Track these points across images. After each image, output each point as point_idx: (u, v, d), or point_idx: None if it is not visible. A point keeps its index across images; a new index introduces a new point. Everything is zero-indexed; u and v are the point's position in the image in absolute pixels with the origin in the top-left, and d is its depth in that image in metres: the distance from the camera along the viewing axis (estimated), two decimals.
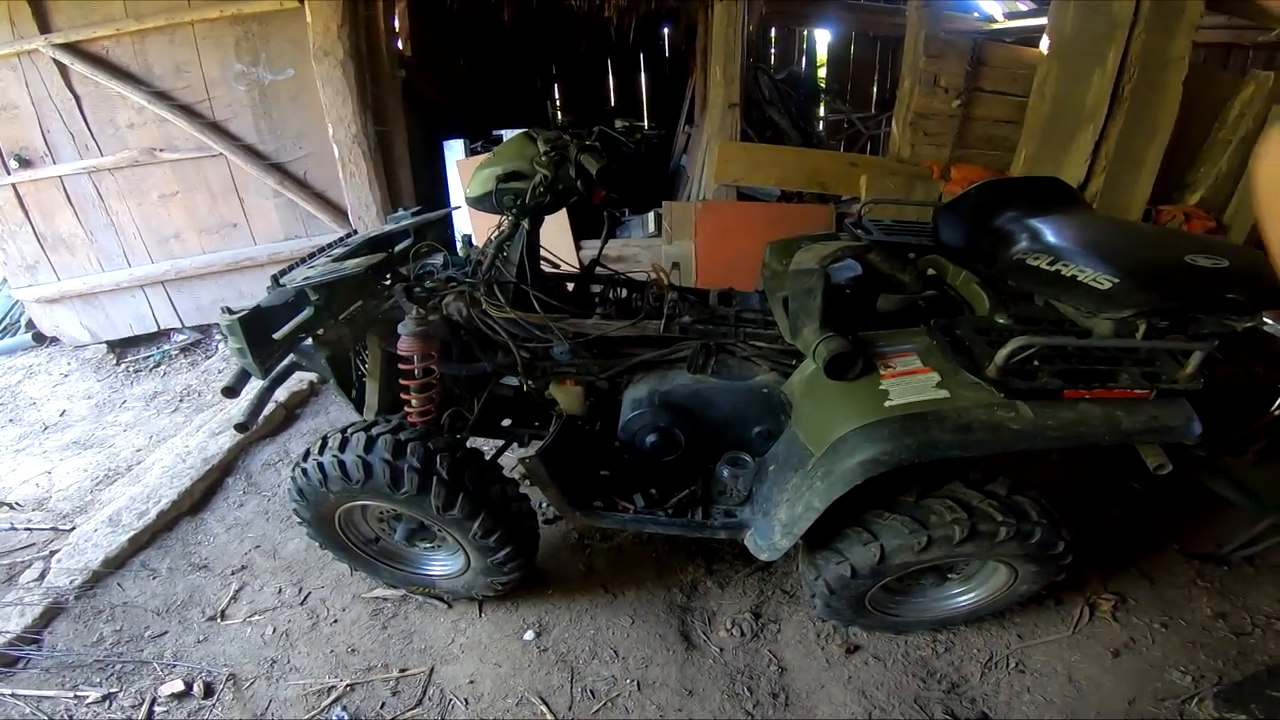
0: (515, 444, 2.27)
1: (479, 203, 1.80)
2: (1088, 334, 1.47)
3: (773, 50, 5.70)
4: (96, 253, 3.77)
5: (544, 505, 2.35)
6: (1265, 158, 0.44)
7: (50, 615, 2.08)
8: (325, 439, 1.73)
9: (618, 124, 1.86)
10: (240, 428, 1.79)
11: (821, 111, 5.66)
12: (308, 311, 1.72)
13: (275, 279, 1.70)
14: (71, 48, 3.27)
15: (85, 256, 3.78)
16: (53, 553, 2.33)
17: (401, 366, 1.76)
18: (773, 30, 5.62)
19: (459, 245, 2.07)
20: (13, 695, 1.82)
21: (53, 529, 2.50)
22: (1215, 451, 2.09)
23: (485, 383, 1.99)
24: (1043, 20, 3.47)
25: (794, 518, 1.57)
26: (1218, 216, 3.44)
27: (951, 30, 3.91)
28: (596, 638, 1.98)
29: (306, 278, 1.69)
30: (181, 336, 4.06)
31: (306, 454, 1.75)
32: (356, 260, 1.82)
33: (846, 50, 5.70)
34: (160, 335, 4.08)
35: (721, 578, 2.16)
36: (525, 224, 1.83)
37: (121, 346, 4.04)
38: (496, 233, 1.87)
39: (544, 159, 1.69)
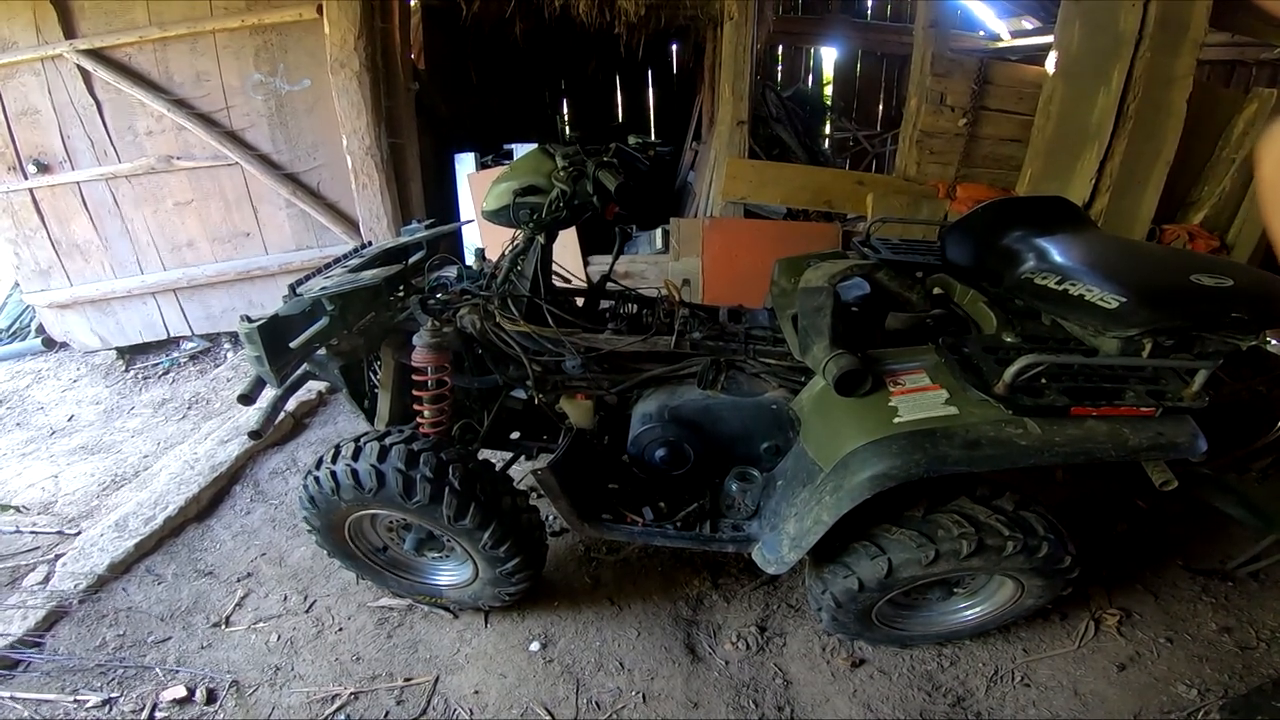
0: (524, 457, 2.28)
1: (495, 216, 1.83)
2: (1094, 352, 1.48)
3: (779, 68, 5.77)
4: (110, 259, 3.81)
5: (551, 518, 2.36)
6: (1269, 153, 0.44)
7: (53, 619, 2.08)
8: (338, 447, 1.75)
9: (631, 140, 1.89)
10: (254, 435, 1.81)
11: (827, 129, 5.72)
12: (323, 321, 1.74)
13: (292, 288, 1.73)
14: (95, 54, 3.33)
15: (99, 263, 3.82)
16: (58, 556, 2.33)
17: (415, 377, 1.78)
18: (780, 48, 5.70)
19: (472, 258, 2.10)
20: (11, 698, 1.82)
21: (58, 533, 2.51)
22: (1220, 469, 2.11)
23: (496, 395, 2.01)
24: (1048, 38, 3.51)
25: (802, 532, 1.58)
26: (1222, 235, 3.46)
27: (958, 49, 3.95)
28: (602, 649, 1.98)
29: (323, 288, 1.71)
30: (191, 344, 4.09)
31: (319, 462, 1.76)
32: (372, 271, 1.84)
33: (853, 69, 5.77)
34: (170, 343, 4.12)
35: (727, 591, 2.16)
36: (540, 238, 1.86)
37: (131, 353, 4.07)
38: (511, 246, 1.89)
39: (562, 174, 1.72)
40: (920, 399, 1.48)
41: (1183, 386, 1.40)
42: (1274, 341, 1.35)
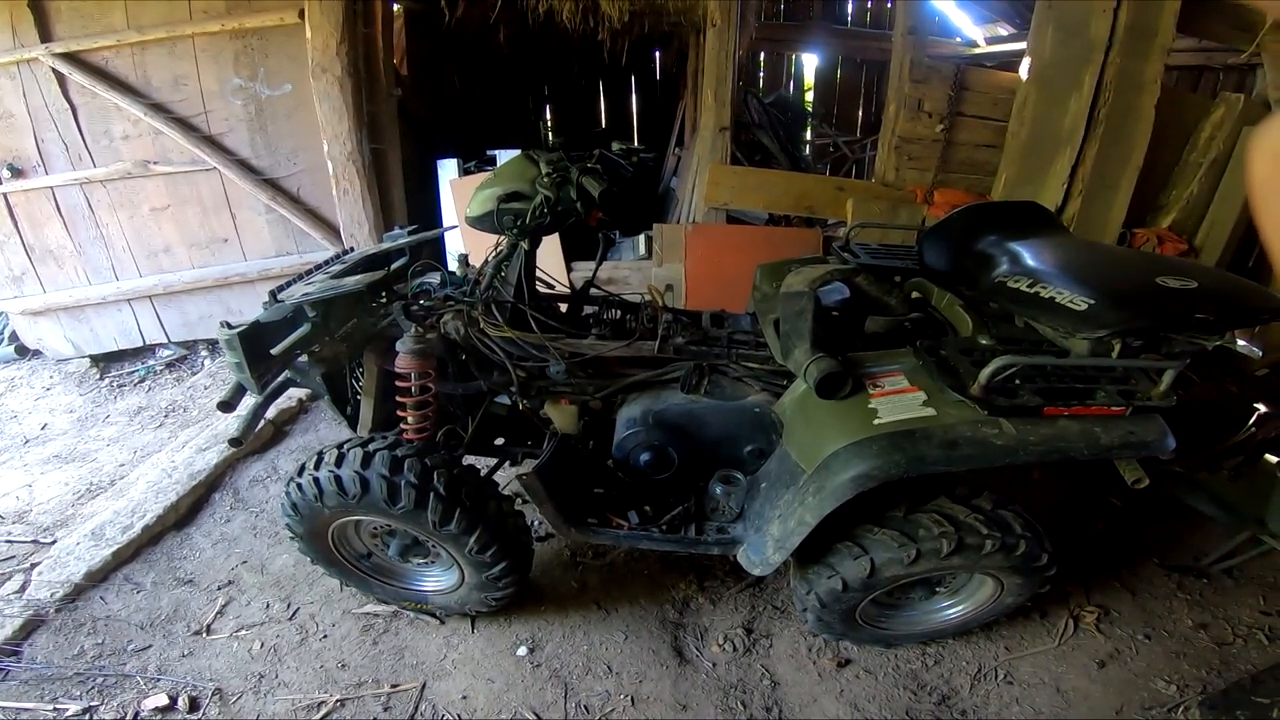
0: (508, 462, 2.28)
1: (479, 222, 1.83)
2: (1066, 353, 1.52)
3: (761, 74, 5.83)
4: (84, 265, 3.75)
5: (537, 523, 2.36)
6: (1258, 153, 0.45)
7: (30, 627, 2.04)
8: (321, 454, 1.74)
9: (615, 146, 1.90)
10: (234, 442, 1.79)
11: (809, 135, 5.78)
12: (305, 328, 1.73)
13: (273, 295, 1.71)
14: (71, 57, 3.29)
15: (72, 269, 3.76)
16: (33, 565, 2.29)
17: (399, 384, 1.77)
18: (762, 55, 5.75)
19: (455, 264, 2.10)
20: None
21: (33, 542, 2.47)
22: (1192, 468, 2.16)
23: (480, 401, 2.01)
24: (1023, 45, 3.58)
25: (786, 533, 1.60)
26: (1189, 239, 3.55)
27: (936, 56, 4.02)
28: (590, 653, 1.98)
29: (305, 294, 1.70)
30: (167, 352, 4.03)
31: (302, 469, 1.75)
32: (354, 278, 1.84)
33: (833, 75, 5.84)
34: (145, 350, 4.05)
35: (713, 594, 2.17)
36: (524, 244, 1.86)
37: (105, 361, 4.00)
38: (494, 252, 1.89)
39: (545, 180, 1.72)
40: (899, 401, 1.51)
41: (1152, 386, 1.44)
42: (1242, 342, 1.39)
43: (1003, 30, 4.99)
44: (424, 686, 1.89)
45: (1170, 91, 3.42)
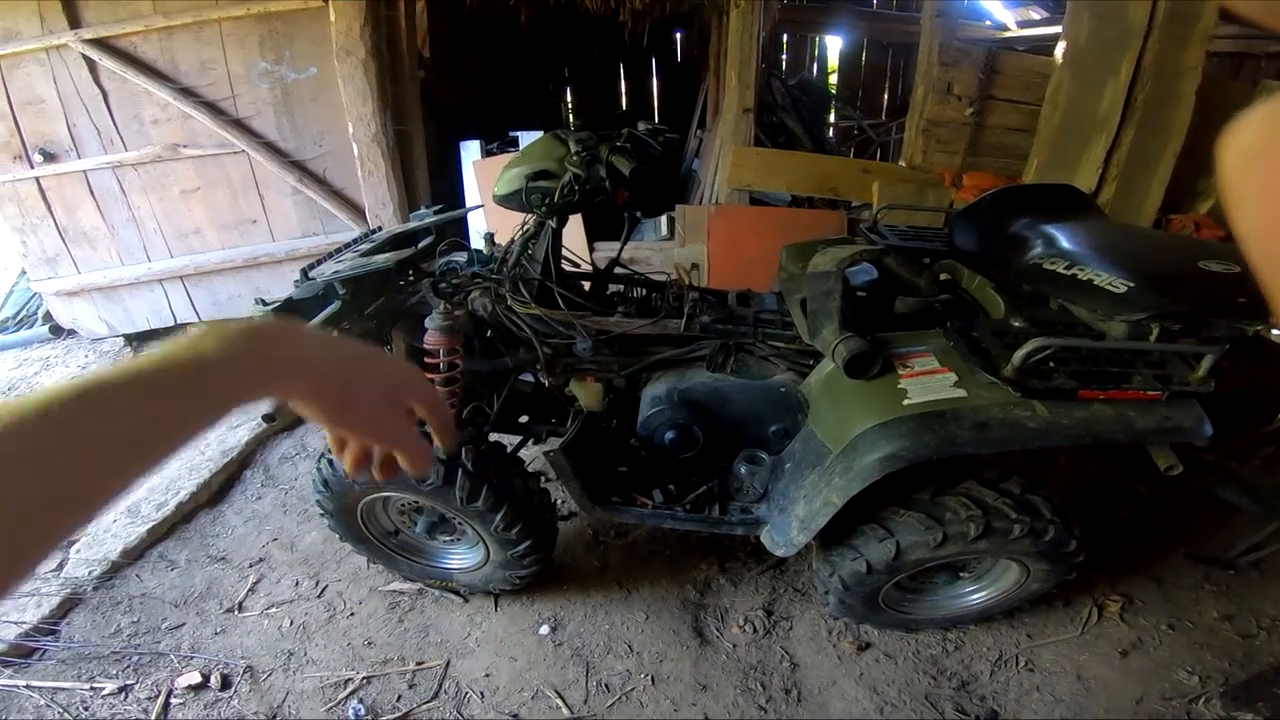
0: (533, 440, 2.30)
1: (506, 200, 1.84)
2: (1102, 337, 1.49)
3: (785, 56, 5.75)
4: (117, 247, 3.81)
5: (560, 502, 2.38)
6: (1229, 151, 0.44)
7: (68, 606, 2.10)
8: None
9: (641, 126, 1.89)
10: (267, 418, 1.83)
11: (832, 118, 5.71)
12: (336, 305, 1.74)
13: (304, 273, 1.74)
14: (100, 43, 3.32)
15: (106, 250, 3.82)
16: (71, 543, 2.35)
17: (427, 360, 1.79)
18: (785, 36, 5.68)
19: (482, 243, 2.11)
20: (28, 687, 1.84)
21: None
22: (1224, 457, 2.11)
23: (506, 378, 2.02)
24: (1057, 29, 3.50)
25: (811, 514, 1.59)
26: (1227, 226, 3.46)
27: (965, 38, 3.94)
28: (611, 633, 2.00)
29: (335, 272, 1.72)
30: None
31: None
32: (384, 256, 1.85)
33: (858, 57, 5.75)
34: (177, 329, 4.12)
35: (734, 575, 2.18)
36: (551, 223, 1.86)
37: (138, 340, 4.08)
38: (522, 231, 1.90)
39: (575, 159, 1.72)
40: (929, 382, 1.49)
41: (1189, 371, 1.41)
42: (1277, 331, 1.36)
43: (1035, 14, 4.88)
44: (448, 664, 1.92)
45: (1211, 78, 3.32)
